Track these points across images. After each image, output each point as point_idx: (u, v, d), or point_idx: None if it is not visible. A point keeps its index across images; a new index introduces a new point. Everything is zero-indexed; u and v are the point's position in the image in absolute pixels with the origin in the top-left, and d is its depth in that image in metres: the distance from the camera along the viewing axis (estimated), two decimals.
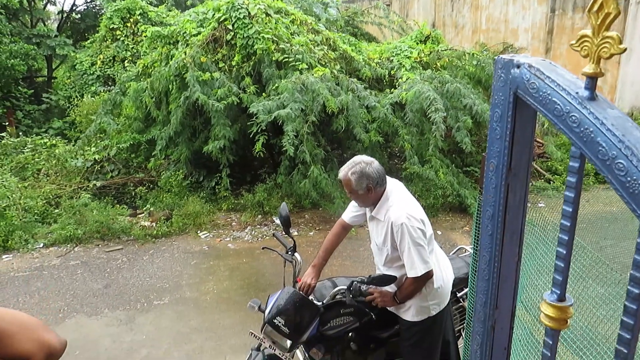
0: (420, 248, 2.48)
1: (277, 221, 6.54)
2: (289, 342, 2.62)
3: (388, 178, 2.66)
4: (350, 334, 2.85)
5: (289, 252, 2.90)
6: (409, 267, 2.51)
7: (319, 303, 2.75)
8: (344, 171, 2.57)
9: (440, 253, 2.87)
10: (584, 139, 0.73)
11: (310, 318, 2.66)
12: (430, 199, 6.73)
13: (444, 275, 2.77)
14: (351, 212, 2.95)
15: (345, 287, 2.71)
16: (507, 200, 0.93)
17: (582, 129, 0.73)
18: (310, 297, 2.78)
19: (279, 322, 2.59)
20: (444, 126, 6.21)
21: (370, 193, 2.56)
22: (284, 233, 2.99)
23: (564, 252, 0.82)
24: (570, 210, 0.80)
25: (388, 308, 2.82)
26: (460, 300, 3.34)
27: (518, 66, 0.84)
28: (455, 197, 6.69)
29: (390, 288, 2.71)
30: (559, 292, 0.84)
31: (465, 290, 3.27)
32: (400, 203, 2.57)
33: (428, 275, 2.56)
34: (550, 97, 0.78)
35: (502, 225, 0.94)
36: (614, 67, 9.11)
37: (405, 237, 2.46)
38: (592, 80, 0.74)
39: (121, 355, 3.98)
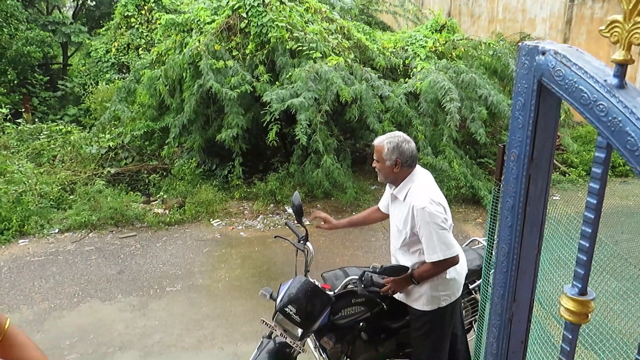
0: (444, 232, 2.46)
1: (289, 210, 6.55)
2: (299, 331, 2.63)
3: (420, 167, 2.67)
4: (361, 324, 2.85)
5: (301, 242, 2.90)
6: (430, 251, 2.48)
7: (331, 292, 2.75)
8: (381, 138, 2.61)
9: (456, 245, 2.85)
10: (611, 129, 0.70)
11: (322, 307, 2.66)
12: (444, 190, 6.58)
13: (458, 267, 2.75)
14: (385, 199, 2.97)
15: (357, 277, 2.70)
16: (528, 191, 0.91)
17: (610, 118, 0.70)
18: (318, 284, 2.77)
19: (290, 311, 2.60)
20: (459, 117, 6.14)
21: (395, 167, 2.56)
22: (296, 222, 2.98)
23: (587, 245, 0.80)
24: (595, 202, 0.77)
25: (397, 297, 2.80)
26: (473, 292, 3.32)
27: (543, 53, 0.82)
28: (468, 188, 6.64)
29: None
30: (580, 285, 0.82)
31: (478, 282, 3.25)
32: (423, 188, 2.56)
33: (453, 262, 2.53)
34: (576, 85, 0.75)
35: (522, 217, 0.92)
36: (635, 58, 8.91)
37: (426, 221, 2.45)
38: (621, 68, 0.71)
39: (134, 340, 4.03)
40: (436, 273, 2.58)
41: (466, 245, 3.74)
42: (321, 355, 2.85)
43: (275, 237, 3.27)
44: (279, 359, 2.76)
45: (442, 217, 2.47)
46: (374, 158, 2.65)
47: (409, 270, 2.62)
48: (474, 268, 3.16)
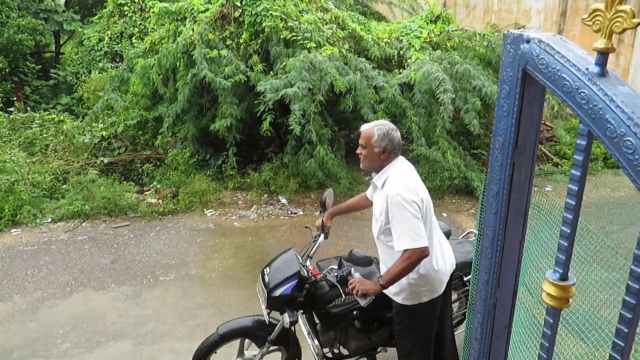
0: (415, 220, 2.38)
1: (283, 200, 6.58)
2: (265, 294, 2.73)
3: (403, 159, 2.65)
4: (354, 312, 2.88)
5: (319, 232, 3.09)
6: (399, 238, 2.39)
7: (307, 274, 2.82)
8: (370, 125, 2.61)
9: (443, 239, 2.79)
10: (592, 116, 0.71)
11: (289, 275, 2.71)
12: (437, 181, 6.71)
13: (440, 262, 2.66)
14: (370, 187, 2.97)
15: (335, 267, 2.80)
16: (513, 178, 0.92)
17: (591, 105, 0.71)
18: (300, 258, 2.89)
19: (267, 273, 2.78)
20: (453, 108, 6.15)
21: (383, 155, 2.56)
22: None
23: (568, 231, 0.81)
24: (576, 188, 0.79)
25: (384, 290, 2.80)
26: (467, 284, 3.34)
27: (528, 41, 0.83)
28: (461, 179, 6.67)
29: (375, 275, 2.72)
30: (561, 271, 0.84)
31: None
32: (402, 177, 2.51)
33: (422, 253, 2.40)
34: (559, 73, 0.76)
35: (506, 204, 0.93)
36: (628, 51, 8.94)
37: (399, 209, 2.38)
38: (603, 56, 0.72)
39: (127, 329, 4.04)
40: (406, 270, 2.44)
41: (462, 237, 3.75)
42: (313, 341, 2.88)
43: (306, 227, 3.46)
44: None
45: (415, 205, 2.39)
46: (360, 144, 2.61)
47: (378, 276, 2.59)
48: (468, 260, 3.15)
